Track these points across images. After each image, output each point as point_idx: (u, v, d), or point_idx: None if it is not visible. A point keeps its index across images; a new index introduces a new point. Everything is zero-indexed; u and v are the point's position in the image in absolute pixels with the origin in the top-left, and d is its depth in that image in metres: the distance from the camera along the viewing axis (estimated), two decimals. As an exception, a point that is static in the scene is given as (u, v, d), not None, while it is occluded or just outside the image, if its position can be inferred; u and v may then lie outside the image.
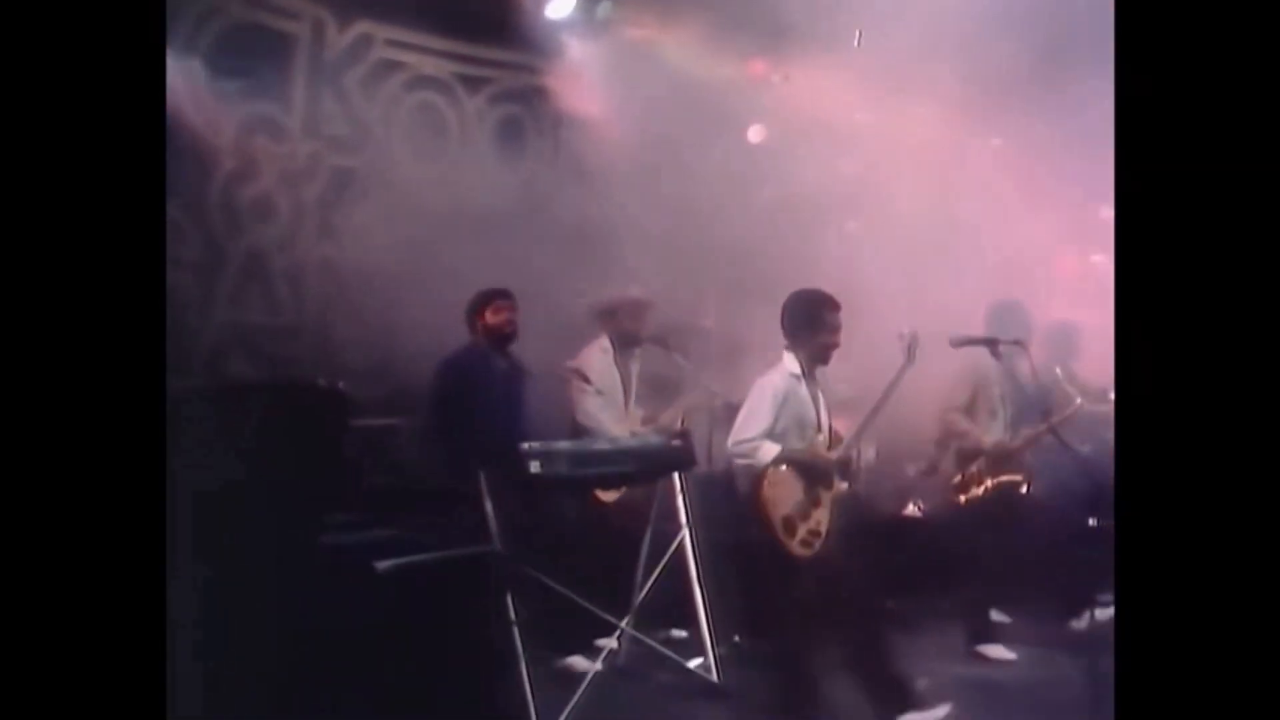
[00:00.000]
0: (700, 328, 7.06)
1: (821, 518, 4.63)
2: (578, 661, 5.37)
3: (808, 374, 4.72)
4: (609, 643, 5.32)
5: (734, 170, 8.08)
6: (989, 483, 5.91)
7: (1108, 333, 7.56)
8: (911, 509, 7.18)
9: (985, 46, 7.79)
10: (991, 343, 4.57)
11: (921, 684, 5.46)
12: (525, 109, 7.99)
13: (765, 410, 4.59)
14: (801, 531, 4.58)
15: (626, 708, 5.18)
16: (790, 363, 4.72)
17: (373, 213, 7.18)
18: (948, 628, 6.12)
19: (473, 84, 7.87)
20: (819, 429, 4.76)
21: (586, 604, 4.97)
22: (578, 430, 5.80)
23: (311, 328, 7.01)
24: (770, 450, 4.57)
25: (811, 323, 4.69)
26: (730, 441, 4.68)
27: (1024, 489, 5.89)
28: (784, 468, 4.58)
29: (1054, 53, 8.10)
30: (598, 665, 5.11)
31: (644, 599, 5.46)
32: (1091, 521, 5.02)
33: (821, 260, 7.45)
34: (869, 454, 7.64)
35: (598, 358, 6.06)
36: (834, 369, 7.09)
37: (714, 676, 5.31)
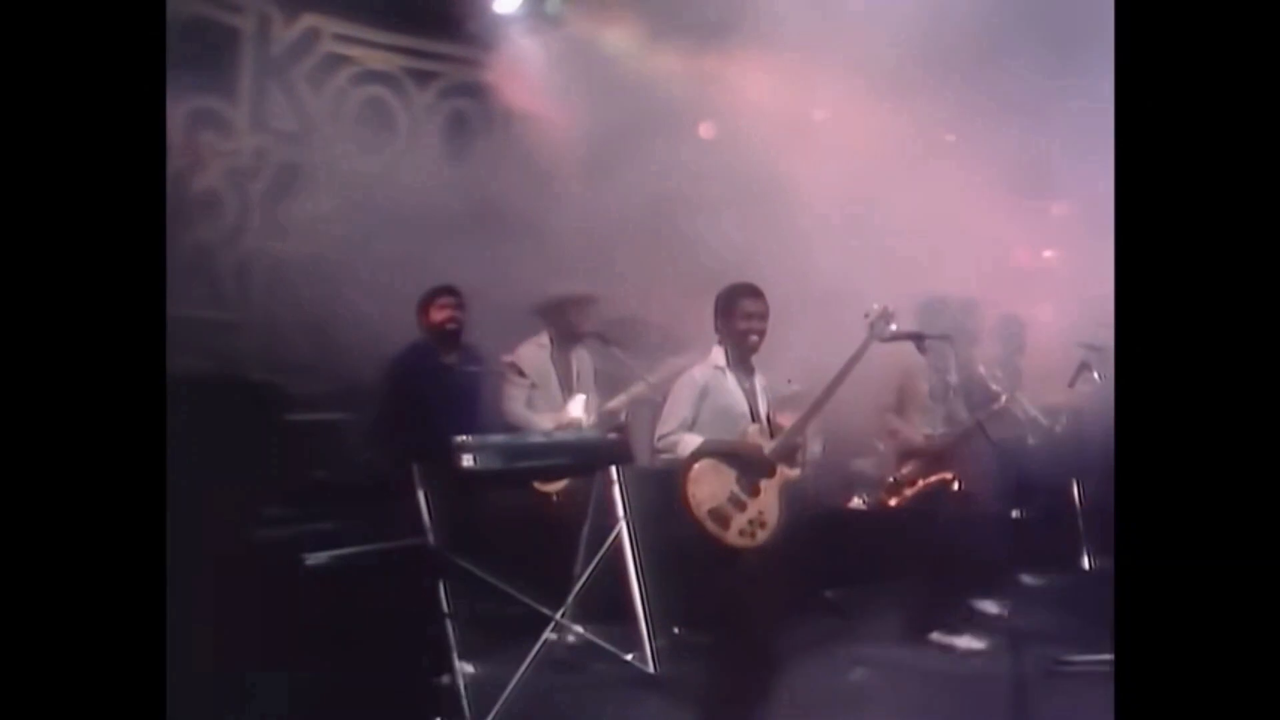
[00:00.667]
0: (649, 323, 7.07)
1: (764, 507, 4.59)
2: (523, 652, 5.37)
3: (736, 365, 4.72)
4: (546, 635, 5.33)
5: (683, 165, 8.13)
6: (920, 483, 5.97)
7: (1056, 328, 7.67)
8: (856, 502, 7.24)
9: (938, 41, 7.91)
10: (918, 338, 4.60)
11: (856, 674, 5.59)
12: (474, 104, 7.99)
13: (684, 403, 4.60)
14: (739, 522, 4.54)
15: (563, 699, 5.21)
16: (716, 355, 4.74)
17: (320, 208, 7.19)
18: (888, 618, 6.19)
19: (422, 78, 7.87)
20: (752, 419, 4.74)
21: (521, 597, 5.00)
22: (516, 425, 5.81)
23: (257, 322, 6.99)
24: (690, 443, 4.56)
25: (732, 312, 4.70)
26: (655, 437, 4.68)
27: (955, 486, 5.94)
28: (709, 460, 4.55)
29: (1005, 48, 8.22)
30: (531, 657, 5.13)
31: (584, 592, 5.52)
32: (1014, 514, 5.14)
33: (772, 254, 7.52)
34: (815, 448, 7.72)
35: (533, 353, 6.08)
36: (782, 362, 7.22)
37: (650, 668, 5.35)
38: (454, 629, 4.70)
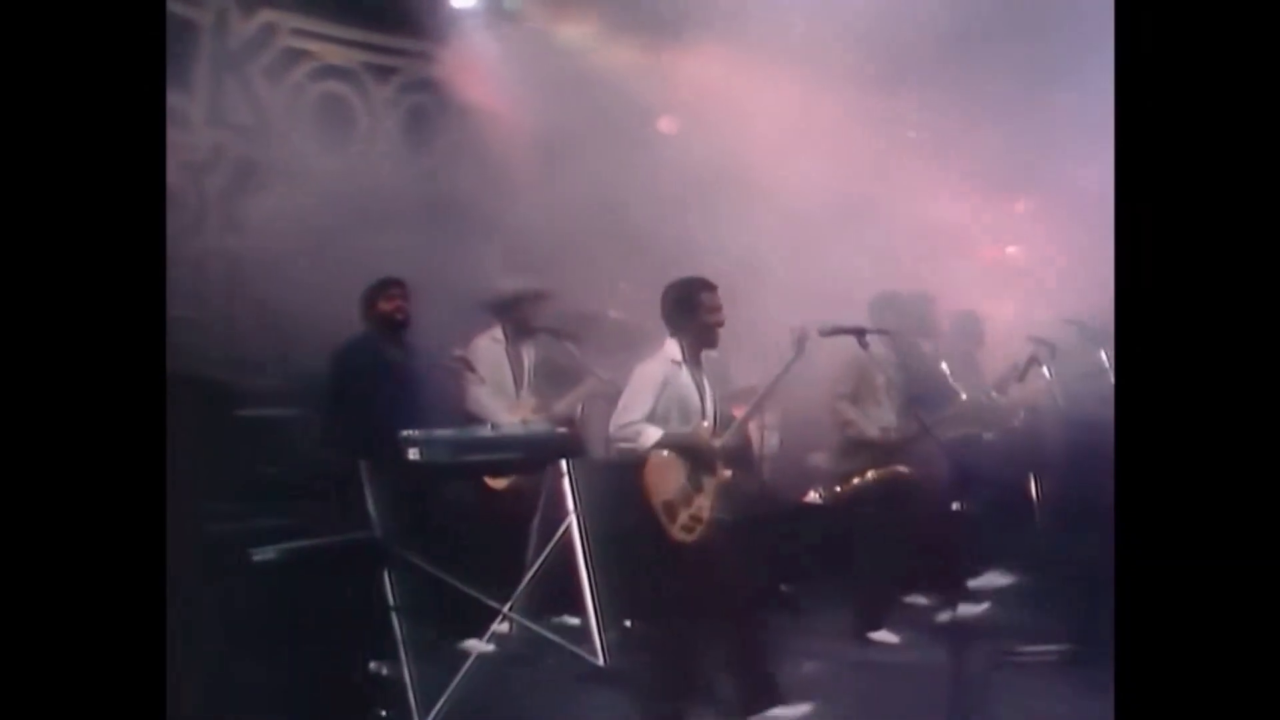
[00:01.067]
0: (604, 318, 7.10)
1: (704, 504, 4.61)
2: (472, 645, 5.40)
3: (690, 360, 4.72)
4: (496, 628, 5.37)
5: (641, 160, 8.16)
6: (870, 475, 6.01)
7: (1015, 324, 7.67)
8: (813, 495, 7.28)
9: (896, 35, 7.96)
10: (859, 332, 4.63)
11: (807, 668, 5.63)
12: (433, 99, 7.98)
13: (646, 395, 4.59)
14: (683, 517, 4.55)
15: (513, 692, 5.25)
16: (671, 349, 4.73)
17: (277, 203, 7.15)
18: (839, 613, 6.25)
19: (381, 73, 7.86)
20: (704, 415, 4.75)
21: (467, 589, 5.03)
22: (470, 419, 5.83)
23: (214, 319, 6.96)
24: (653, 434, 4.56)
25: (687, 307, 4.70)
26: (612, 426, 4.66)
27: (909, 479, 6.00)
28: (666, 453, 4.56)
29: (966, 41, 8.28)
30: (480, 650, 5.16)
31: (535, 585, 5.55)
32: (955, 505, 5.18)
33: (729, 247, 7.56)
34: (773, 442, 7.77)
35: (487, 347, 6.10)
36: (736, 355, 7.25)
37: (600, 660, 5.39)
38: (400, 622, 4.71)
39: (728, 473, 4.71)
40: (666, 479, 4.56)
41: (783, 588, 6.80)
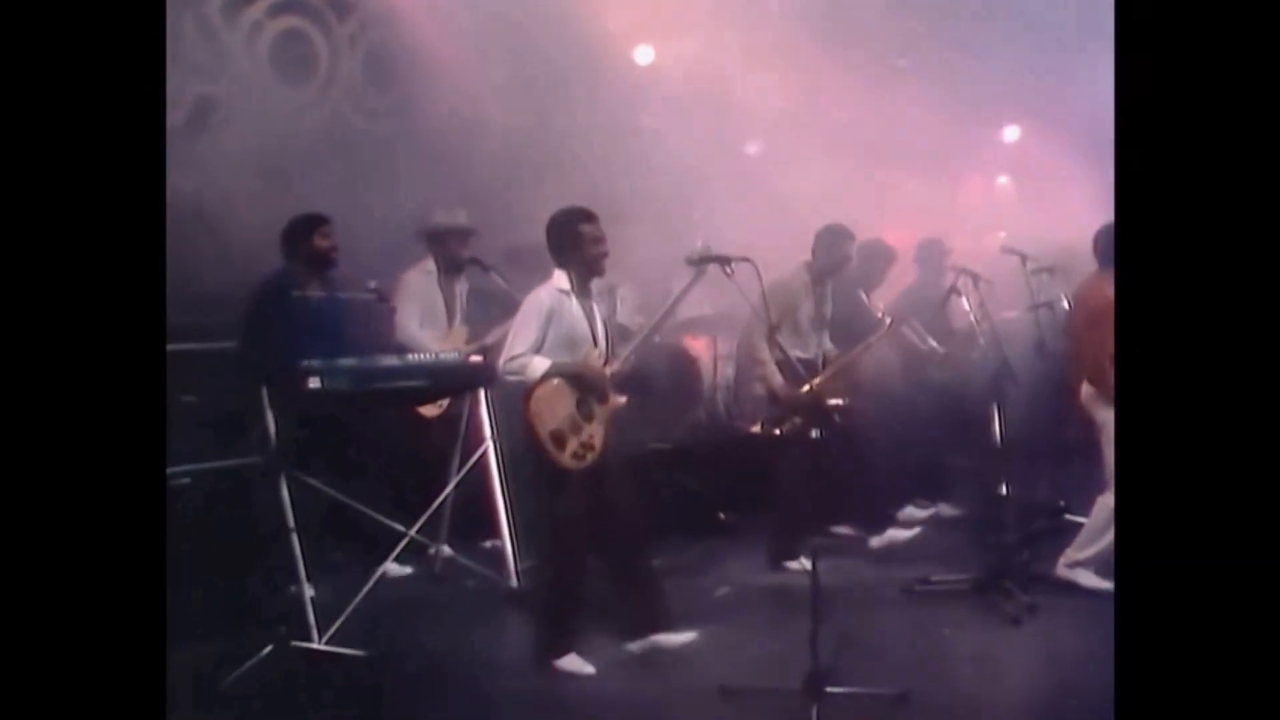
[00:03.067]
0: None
1: (595, 432, 4.65)
2: (390, 569, 5.57)
3: (579, 289, 4.76)
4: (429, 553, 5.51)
5: (615, 94, 8.19)
6: (796, 420, 5.99)
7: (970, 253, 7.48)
8: (755, 428, 7.32)
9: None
10: (723, 260, 4.64)
11: (721, 592, 5.75)
12: (394, 34, 8.01)
13: (532, 326, 4.64)
14: (573, 445, 4.59)
15: (426, 613, 5.43)
16: (559, 279, 4.78)
17: (236, 141, 7.27)
18: (761, 542, 6.36)
19: (341, 10, 7.91)
20: (594, 343, 4.79)
21: (373, 514, 5.19)
22: (401, 351, 5.92)
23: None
24: (539, 365, 4.61)
25: (569, 237, 4.73)
26: (501, 360, 4.73)
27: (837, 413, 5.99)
28: (554, 382, 4.60)
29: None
30: (394, 573, 5.34)
31: (459, 511, 5.73)
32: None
33: (656, 172, 7.60)
34: (727, 372, 7.87)
35: (418, 279, 6.20)
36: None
37: (513, 583, 5.54)
38: (300, 544, 4.88)
39: (621, 399, 4.75)
40: (553, 408, 4.59)
41: (721, 515, 6.92)
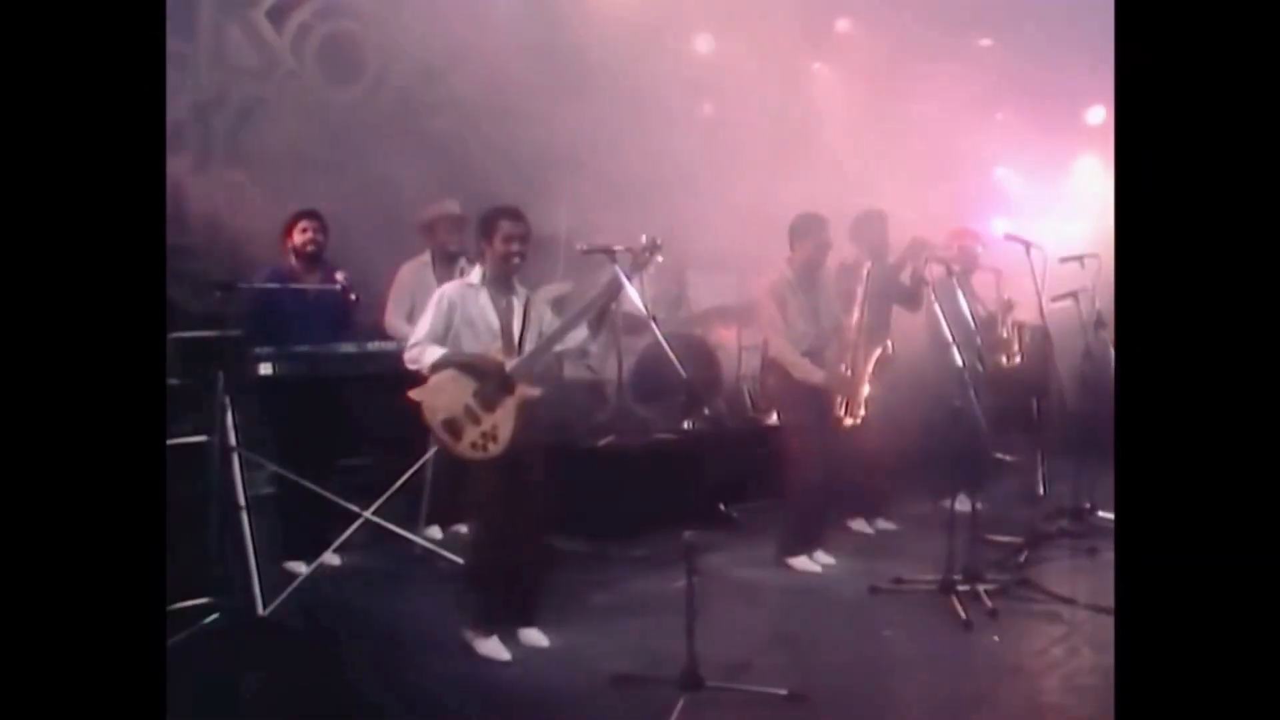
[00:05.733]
0: (552, 237, 7.27)
1: (499, 422, 4.66)
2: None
3: (493, 283, 4.80)
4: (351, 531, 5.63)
5: (660, 76, 8.21)
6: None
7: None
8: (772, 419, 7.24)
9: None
10: (608, 251, 4.63)
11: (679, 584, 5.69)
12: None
13: (431, 315, 4.72)
14: (472, 434, 4.63)
15: (373, 591, 5.63)
16: (474, 273, 4.86)
17: (283, 136, 7.64)
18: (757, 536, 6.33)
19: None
20: (503, 337, 4.79)
21: (325, 493, 5.41)
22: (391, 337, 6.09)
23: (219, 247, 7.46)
24: (433, 353, 4.66)
25: (493, 234, 4.78)
26: (406, 347, 4.81)
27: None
28: (448, 372, 4.65)
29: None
30: (332, 549, 5.55)
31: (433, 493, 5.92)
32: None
33: (685, 162, 7.56)
34: (753, 363, 7.79)
35: (414, 270, 6.37)
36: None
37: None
38: (249, 520, 5.13)
39: (535, 392, 4.74)
40: (446, 398, 4.63)
41: (721, 506, 6.88)
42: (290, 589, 5.17)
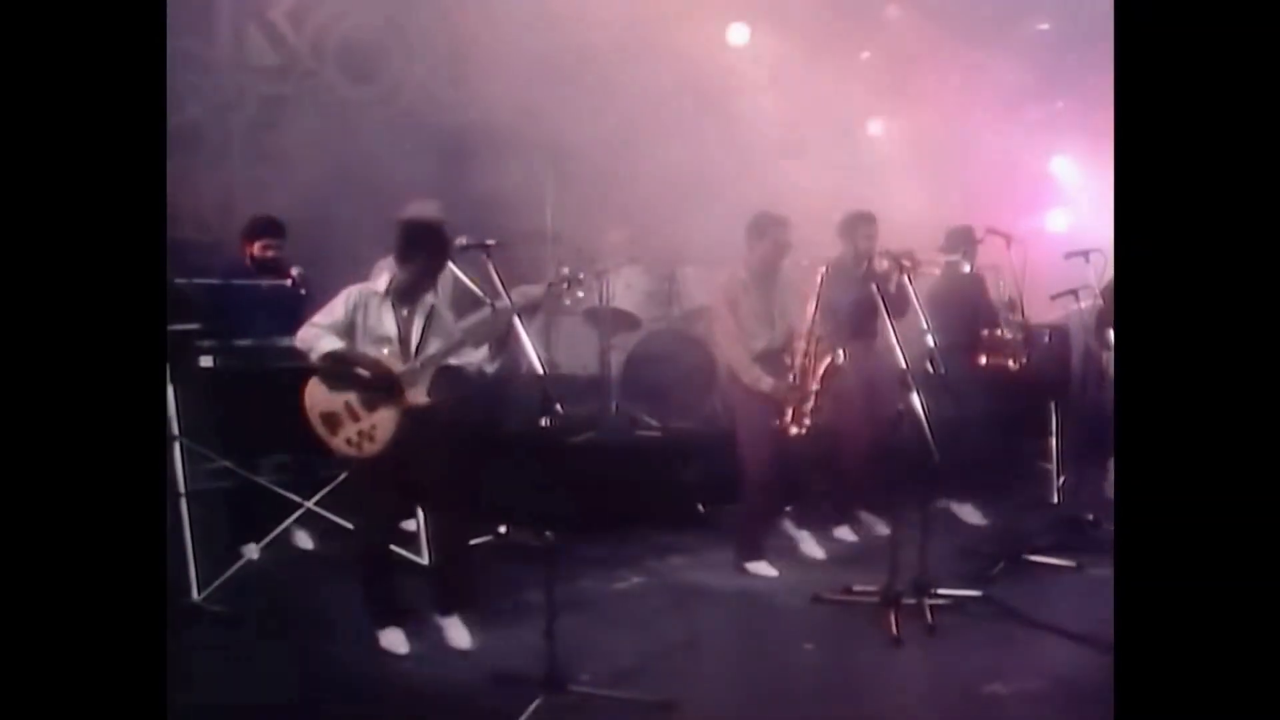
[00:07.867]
0: (543, 232, 7.26)
1: (378, 423, 4.71)
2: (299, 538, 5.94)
3: (400, 293, 4.80)
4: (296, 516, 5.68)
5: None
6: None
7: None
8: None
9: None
10: (483, 246, 4.75)
11: (621, 586, 5.63)
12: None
13: (337, 307, 4.74)
14: (349, 431, 4.70)
15: (329, 580, 5.60)
16: (381, 280, 4.86)
17: (305, 134, 7.83)
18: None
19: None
20: (398, 344, 4.79)
21: (268, 484, 5.52)
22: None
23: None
24: (328, 343, 4.69)
25: (409, 247, 4.83)
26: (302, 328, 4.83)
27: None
28: (339, 366, 4.70)
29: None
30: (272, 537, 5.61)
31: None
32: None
33: (683, 162, 7.45)
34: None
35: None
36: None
37: (424, 560, 5.64)
38: (187, 508, 5.27)
39: (423, 399, 4.74)
40: (330, 392, 4.71)
41: (700, 508, 6.77)
42: (224, 578, 5.29)
